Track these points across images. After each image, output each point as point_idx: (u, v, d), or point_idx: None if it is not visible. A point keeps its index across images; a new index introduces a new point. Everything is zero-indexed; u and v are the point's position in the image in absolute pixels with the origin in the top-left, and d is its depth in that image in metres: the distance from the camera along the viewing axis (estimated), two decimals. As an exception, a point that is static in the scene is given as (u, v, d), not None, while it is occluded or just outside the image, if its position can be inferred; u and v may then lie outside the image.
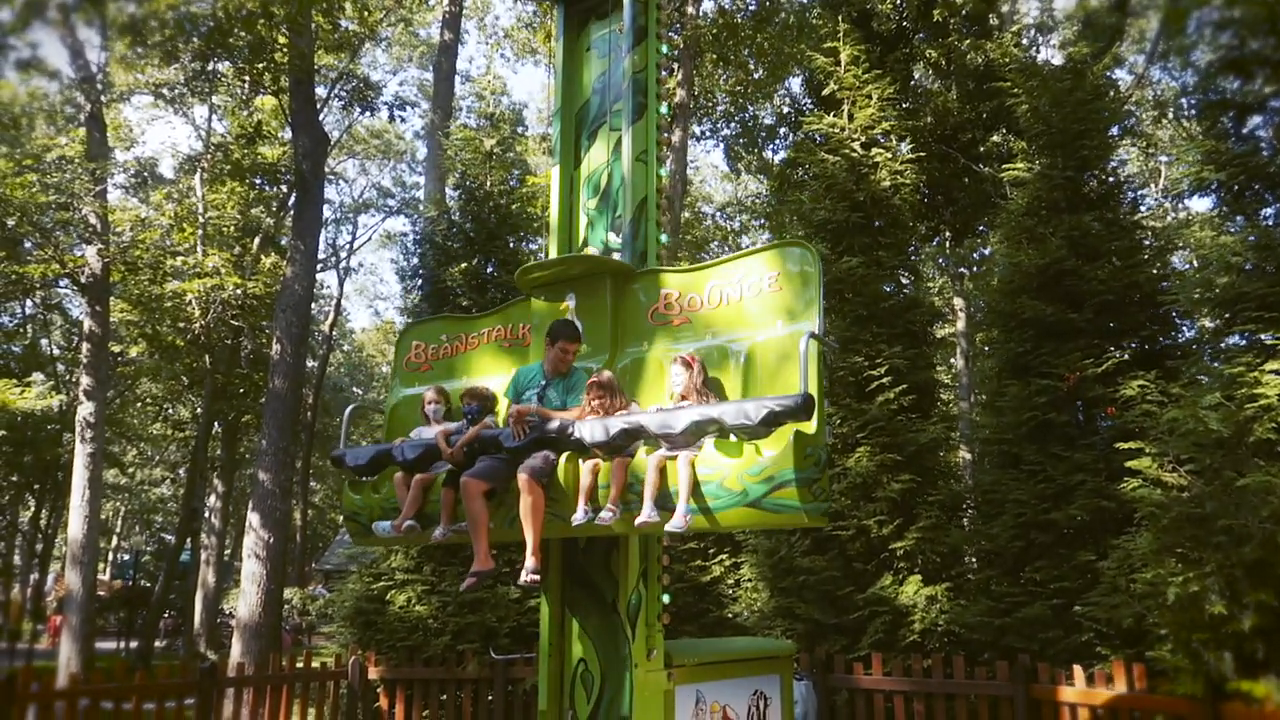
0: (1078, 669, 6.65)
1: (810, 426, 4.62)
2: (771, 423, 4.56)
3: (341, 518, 6.20)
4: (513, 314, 6.35)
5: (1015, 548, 7.82)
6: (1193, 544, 5.74)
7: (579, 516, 4.94)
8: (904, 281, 9.90)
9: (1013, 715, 6.89)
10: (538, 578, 5.04)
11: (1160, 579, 5.77)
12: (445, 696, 8.88)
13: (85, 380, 15.15)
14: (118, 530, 43.37)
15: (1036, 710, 6.81)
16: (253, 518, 12.60)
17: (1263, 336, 6.24)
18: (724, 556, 9.96)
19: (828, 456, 4.78)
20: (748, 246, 29.72)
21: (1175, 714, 5.91)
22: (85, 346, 15.60)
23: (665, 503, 4.76)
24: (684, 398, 5.06)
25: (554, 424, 5.14)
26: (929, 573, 8.25)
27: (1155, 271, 8.27)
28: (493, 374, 6.12)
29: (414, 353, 6.67)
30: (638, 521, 4.78)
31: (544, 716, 5.72)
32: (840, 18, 11.58)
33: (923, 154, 11.98)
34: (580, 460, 5.10)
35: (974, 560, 8.72)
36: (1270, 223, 7.34)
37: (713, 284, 5.44)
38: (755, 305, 5.25)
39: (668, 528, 4.70)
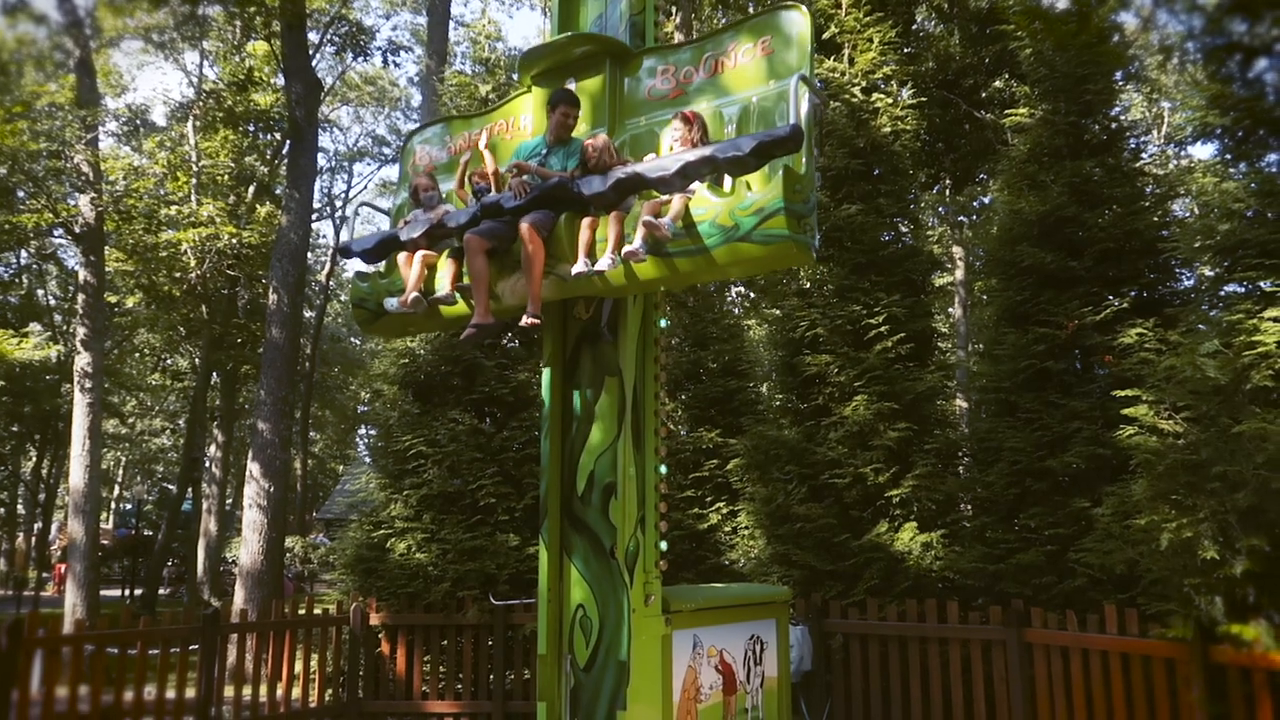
0: (1070, 614, 6.74)
1: (799, 164, 4.78)
2: (762, 154, 4.68)
3: (352, 304, 6.34)
4: (514, 108, 6.46)
5: (1010, 495, 7.87)
6: (1187, 490, 5.77)
7: (579, 267, 5.10)
8: (903, 230, 9.83)
9: (1005, 659, 7.00)
10: (538, 321, 5.23)
11: (1154, 525, 5.81)
12: (446, 642, 9.01)
13: (82, 330, 15.10)
14: (119, 480, 43.65)
15: (1029, 654, 6.91)
16: (253, 467, 12.65)
17: (1263, 283, 6.20)
18: (721, 505, 10.03)
19: (815, 201, 4.90)
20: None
21: (1165, 657, 5.99)
22: (81, 296, 15.52)
23: (658, 249, 4.94)
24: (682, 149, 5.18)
25: (554, 180, 5.29)
26: (924, 520, 8.31)
27: (1156, 219, 8.21)
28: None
29: (418, 156, 6.81)
30: (625, 251, 4.95)
31: (543, 661, 5.80)
32: (842, -41, 11.33)
33: (924, 99, 11.82)
34: (579, 219, 5.24)
35: (969, 508, 8.79)
36: (1274, 169, 7.27)
37: (708, 54, 5.57)
38: (749, 69, 5.38)
39: (646, 220, 4.86)
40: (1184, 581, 5.72)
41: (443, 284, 5.65)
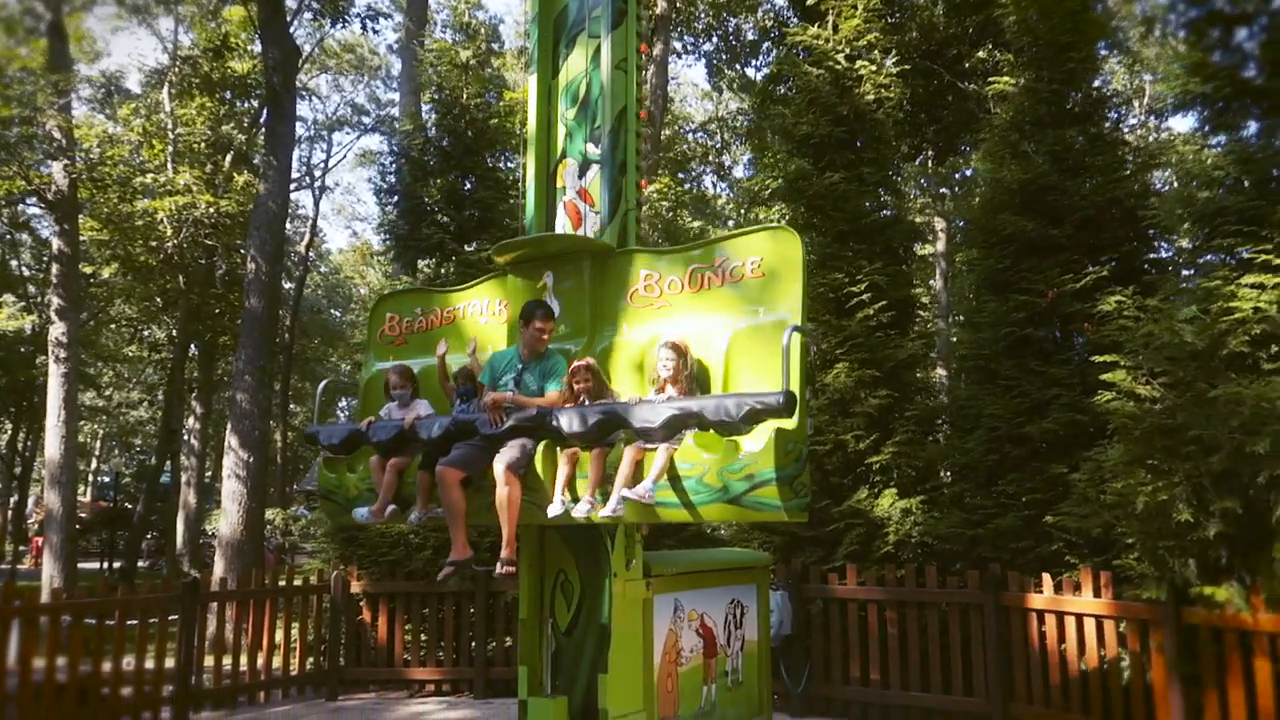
0: (1046, 577, 6.82)
1: (791, 423, 4.58)
2: (753, 420, 4.50)
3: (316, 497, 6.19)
4: (489, 289, 6.23)
5: (989, 461, 7.93)
6: (1163, 455, 5.83)
7: (554, 509, 4.90)
8: (885, 199, 9.82)
9: (982, 622, 7.08)
10: (513, 569, 5.04)
11: (1130, 489, 5.87)
12: (427, 610, 9.03)
13: (56, 300, 14.91)
14: (97, 453, 43.31)
15: (1005, 617, 7.00)
16: (232, 438, 12.57)
17: (1241, 250, 6.24)
18: (703, 472, 10.05)
19: (808, 452, 4.76)
20: (728, 165, 29.49)
21: (1138, 618, 6.08)
22: (55, 266, 15.30)
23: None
24: (668, 383, 4.98)
25: (531, 412, 5.06)
26: (904, 486, 8.37)
27: (1136, 188, 8.23)
28: (465, 352, 5.96)
29: (388, 325, 6.56)
30: (601, 514, 4.77)
31: (524, 625, 5.81)
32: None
33: (907, 68, 11.77)
34: (558, 449, 5.04)
35: (948, 474, 8.85)
36: (1253, 139, 7.30)
37: (694, 267, 5.33)
38: (737, 290, 5.15)
39: (625, 493, 4.68)
40: (1158, 544, 5.80)
41: (414, 512, 5.41)
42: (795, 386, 4.55)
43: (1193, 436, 5.64)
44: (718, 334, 5.16)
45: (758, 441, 4.54)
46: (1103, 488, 6.41)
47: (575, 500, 4.91)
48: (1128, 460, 6.05)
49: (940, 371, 14.03)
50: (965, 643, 7.24)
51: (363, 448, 5.83)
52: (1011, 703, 6.91)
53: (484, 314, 6.21)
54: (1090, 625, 6.44)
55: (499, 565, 5.01)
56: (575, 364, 5.22)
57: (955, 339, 9.64)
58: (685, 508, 4.68)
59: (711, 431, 4.71)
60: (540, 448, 5.07)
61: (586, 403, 5.09)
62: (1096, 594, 6.42)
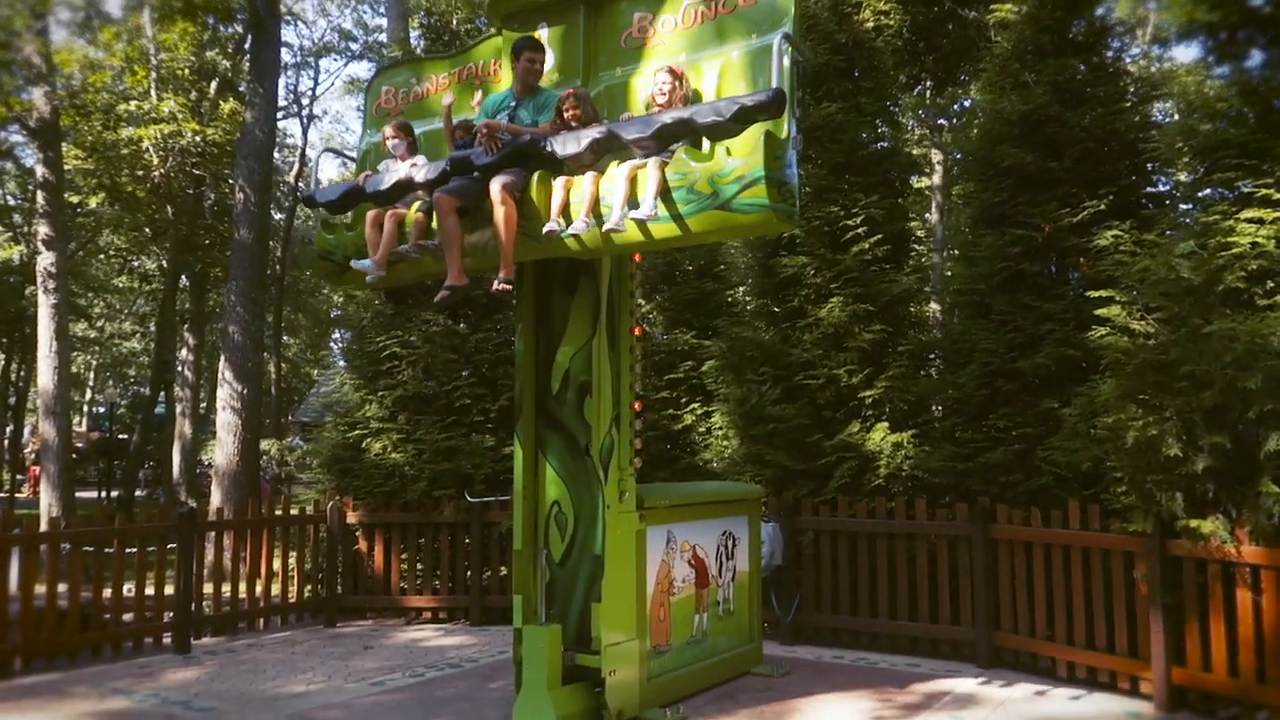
0: (1034, 510, 6.90)
1: (781, 128, 4.65)
2: (743, 119, 4.55)
3: (317, 252, 6.23)
4: (482, 51, 6.26)
5: (981, 395, 7.96)
6: (1155, 390, 5.86)
7: (551, 227, 5.00)
8: (881, 130, 9.68)
9: (970, 554, 7.19)
10: (509, 286, 5.15)
11: (1121, 424, 5.91)
12: (423, 540, 9.13)
13: (43, 229, 14.70)
14: (91, 384, 43.29)
15: (993, 549, 7.10)
16: (225, 369, 12.54)
17: (1242, 185, 6.18)
18: (696, 406, 10.10)
19: (796, 166, 4.80)
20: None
21: (1124, 550, 6.18)
22: (40, 194, 15.06)
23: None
24: (663, 108, 5.02)
25: (525, 138, 5.14)
26: (896, 420, 8.41)
27: (1137, 119, 8.11)
28: (464, 113, 5.99)
29: (384, 98, 6.61)
30: (606, 227, 4.85)
31: (519, 556, 5.89)
32: None
33: (908, -8, 11.50)
34: (552, 179, 5.12)
35: (940, 409, 8.89)
36: (1257, 70, 7.17)
37: (687, 4, 5.35)
38: (730, 22, 5.19)
39: (632, 215, 4.75)
40: (1146, 478, 5.85)
41: (408, 245, 5.45)
42: (785, 86, 4.59)
43: (1185, 372, 5.66)
44: (710, 65, 5.22)
45: (747, 147, 4.59)
46: (1093, 423, 6.45)
47: (570, 224, 5.00)
48: (1119, 395, 6.07)
49: (934, 306, 14.01)
50: (953, 573, 7.36)
51: (359, 206, 5.85)
52: (997, 632, 7.06)
53: (478, 76, 6.23)
54: (1076, 557, 6.54)
55: (496, 282, 5.11)
56: (564, 92, 5.28)
57: (950, 274, 9.57)
58: (674, 220, 4.75)
59: (704, 144, 4.80)
60: (535, 177, 5.15)
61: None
62: (1084, 526, 6.51)
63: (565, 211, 5.02)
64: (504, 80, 5.90)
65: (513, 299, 6.92)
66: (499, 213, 5.00)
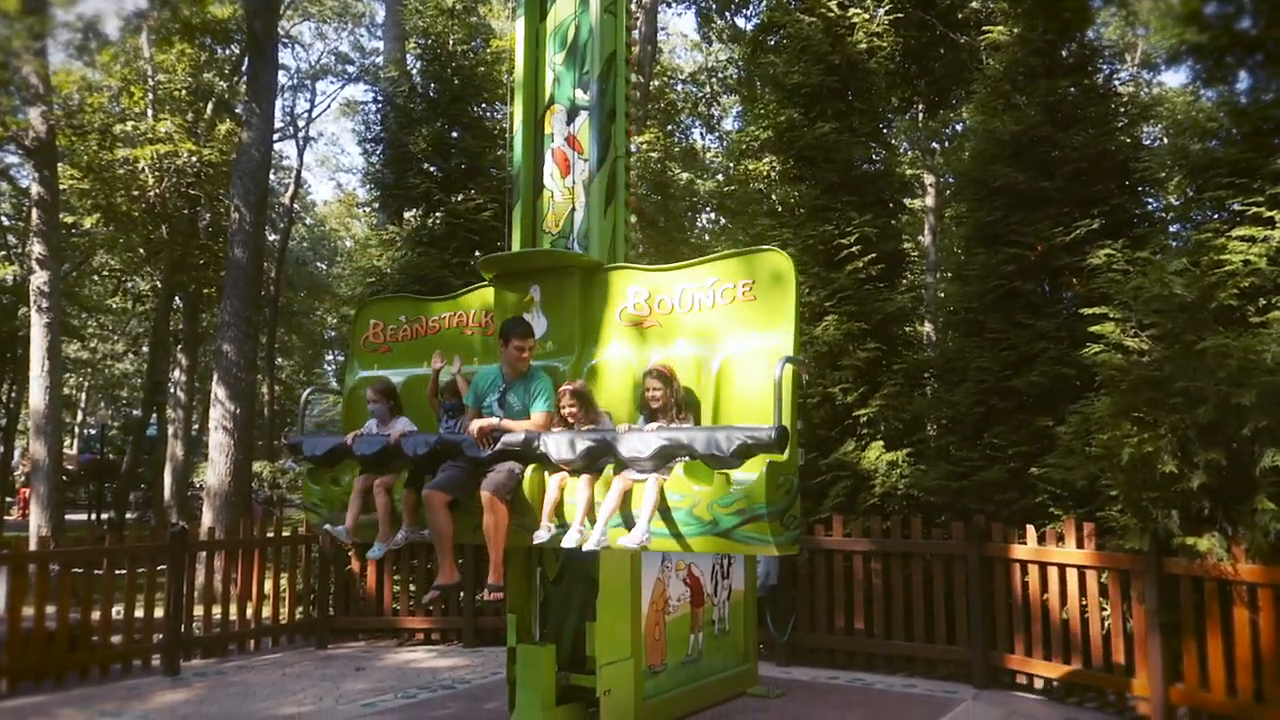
0: (1030, 528, 6.89)
1: (783, 457, 4.53)
2: (744, 455, 4.46)
3: (303, 509, 6.14)
4: (476, 300, 6.14)
5: (975, 414, 7.96)
6: (1149, 407, 5.86)
7: (541, 535, 4.88)
8: (875, 151, 9.74)
9: (965, 573, 7.16)
10: (500, 595, 5.05)
11: (1116, 441, 5.91)
12: (416, 561, 9.06)
13: (37, 249, 14.68)
14: (83, 405, 43.08)
15: (989, 568, 7.07)
16: (218, 390, 12.49)
17: (1232, 203, 6.23)
18: (691, 425, 10.08)
19: (796, 488, 4.72)
20: (716, 117, 29.14)
21: (1121, 568, 6.16)
22: (35, 215, 15.05)
23: (628, 523, 4.71)
24: (657, 413, 4.95)
25: (519, 437, 5.01)
26: (891, 439, 8.40)
27: (1128, 140, 8.18)
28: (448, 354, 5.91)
29: (372, 332, 6.47)
30: (585, 547, 4.73)
31: (513, 575, 5.83)
32: None
33: (900, 15, 11.61)
34: (547, 473, 5.01)
35: (935, 427, 8.89)
36: (1245, 91, 7.26)
37: (683, 287, 5.26)
38: (728, 314, 5.10)
39: (620, 542, 4.65)
40: (1142, 496, 5.84)
41: (401, 532, 5.39)
42: (787, 420, 4.51)
43: (1179, 389, 5.66)
44: (708, 359, 5.10)
45: (749, 474, 4.49)
46: (1088, 440, 6.45)
47: (563, 526, 4.87)
48: (1114, 412, 6.07)
49: (928, 325, 14.05)
50: (949, 593, 7.32)
51: (346, 461, 5.78)
52: (993, 651, 7.02)
53: (469, 326, 6.12)
54: (1072, 576, 6.51)
55: (486, 591, 5.01)
56: (563, 387, 5.16)
57: (943, 293, 9.61)
58: (674, 538, 4.65)
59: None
60: (529, 471, 5.03)
61: (575, 428, 5.05)
62: (1079, 545, 6.49)
63: (558, 510, 4.92)
64: (494, 332, 5.74)
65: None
66: (489, 520, 4.88)
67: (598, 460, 4.88)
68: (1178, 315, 5.89)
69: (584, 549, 4.76)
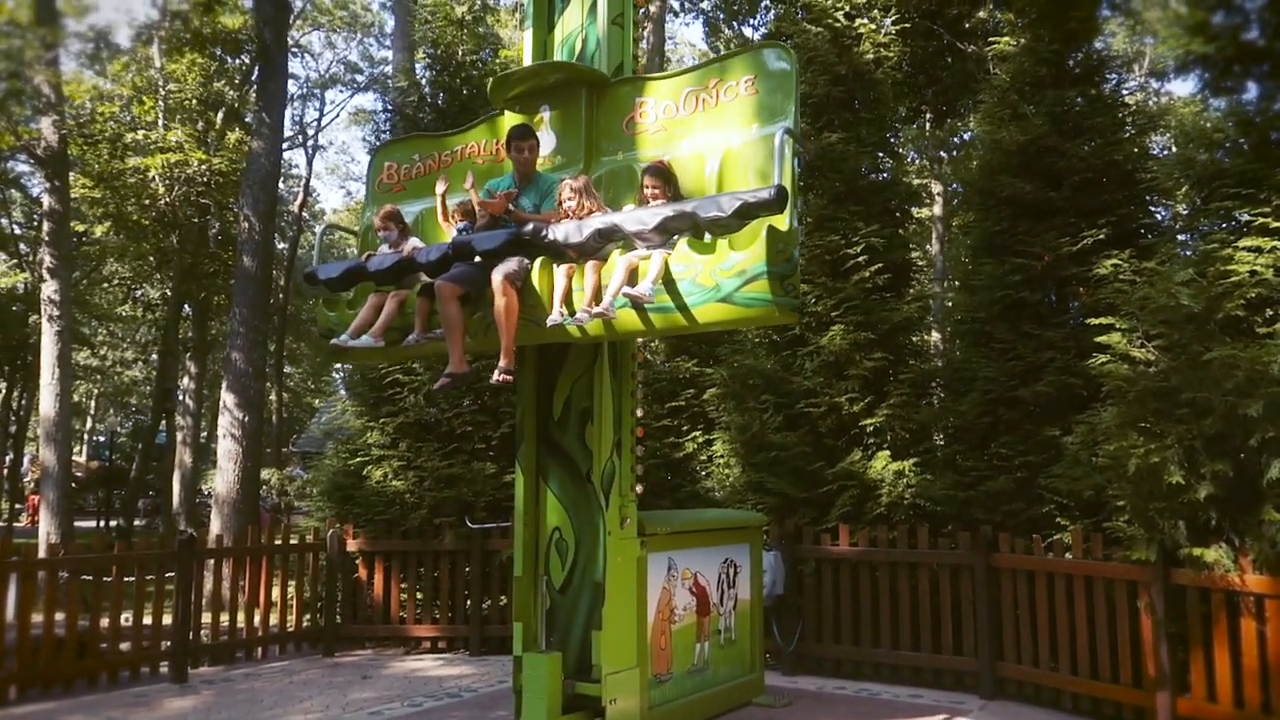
0: (1037, 538, 6.87)
1: (783, 222, 4.66)
2: (745, 215, 4.58)
3: (318, 332, 6.21)
4: (487, 130, 6.28)
5: (982, 424, 7.96)
6: (1156, 418, 5.85)
7: (553, 318, 5.01)
8: (882, 161, 9.75)
9: (972, 583, 7.15)
10: (510, 377, 5.13)
11: (1122, 451, 5.90)
12: (423, 568, 9.08)
13: (48, 258, 14.77)
14: (92, 412, 43.26)
15: (996, 578, 7.06)
16: (227, 397, 12.55)
17: (1239, 214, 6.23)
18: (697, 433, 10.09)
19: (797, 258, 4.84)
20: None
21: (1128, 579, 6.14)
22: (46, 224, 15.15)
23: (636, 306, 4.82)
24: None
25: (528, 227, 5.15)
26: (898, 448, 8.40)
27: (1135, 150, 8.19)
28: (458, 194, 5.93)
29: (386, 174, 6.62)
30: (595, 310, 4.85)
31: (519, 583, 5.86)
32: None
33: (907, 25, 11.64)
34: (555, 265, 5.14)
35: (942, 437, 8.88)
36: (1252, 102, 7.26)
37: (688, 90, 5.38)
38: (731, 110, 5.20)
39: (627, 290, 4.75)
40: (1149, 506, 5.84)
41: (413, 335, 5.48)
42: (787, 182, 4.60)
43: (1186, 399, 5.66)
44: (711, 154, 5.20)
45: (750, 241, 4.61)
46: (1095, 450, 6.44)
47: (573, 313, 4.99)
48: (1120, 423, 6.07)
49: (935, 335, 14.04)
50: (956, 603, 7.31)
51: (361, 285, 5.86)
52: (1000, 662, 7.00)
53: (481, 154, 6.23)
54: (1079, 586, 6.50)
55: (497, 373, 5.08)
56: (564, 181, 5.28)
57: (950, 302, 9.61)
58: (679, 310, 4.75)
59: (705, 236, 4.81)
60: (537, 264, 5.15)
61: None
62: (1086, 555, 6.47)
63: (568, 300, 5.01)
64: (508, 161, 5.84)
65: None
66: (500, 303, 4.98)
67: (605, 242, 5.01)
68: (1184, 326, 5.89)
69: (595, 311, 4.86)
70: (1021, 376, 7.74)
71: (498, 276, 5.01)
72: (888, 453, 8.27)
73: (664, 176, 5.09)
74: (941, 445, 8.73)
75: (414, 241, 5.80)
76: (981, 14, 14.72)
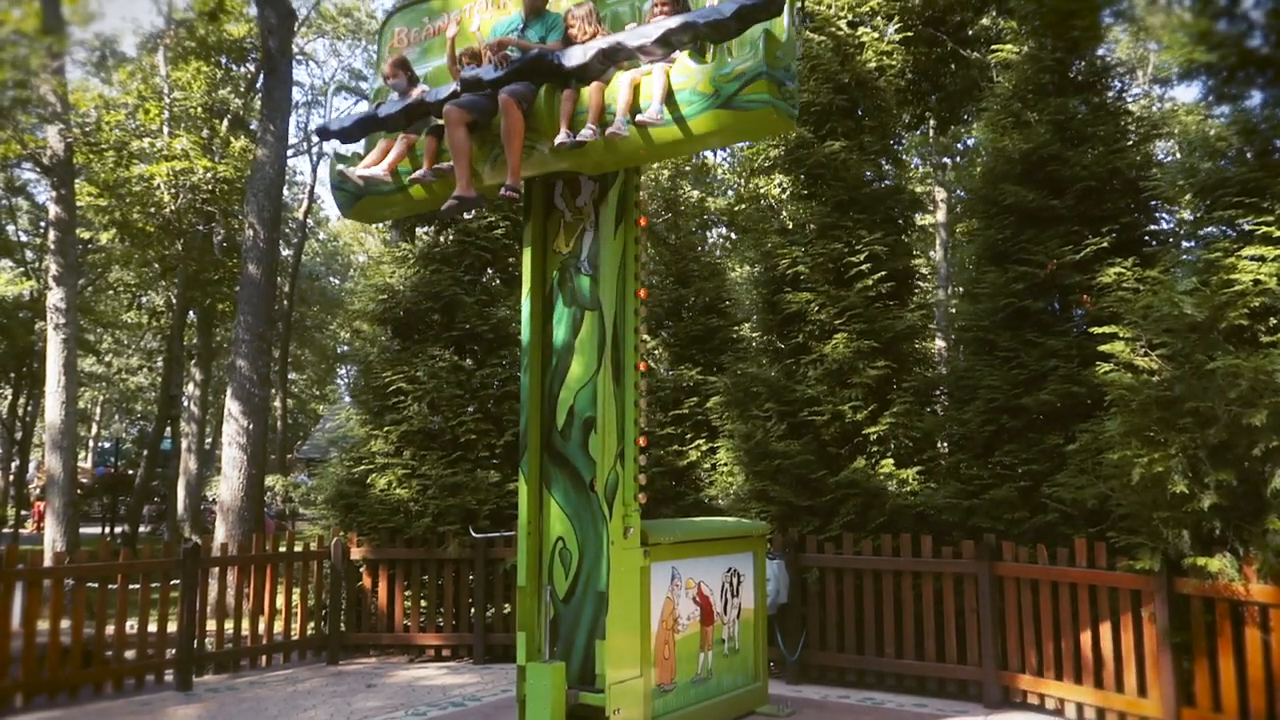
0: (1040, 547, 6.86)
1: (781, 30, 4.77)
2: (743, 18, 4.67)
3: (335, 186, 6.30)
4: None
5: (986, 432, 7.95)
6: (1160, 427, 5.85)
7: (561, 138, 5.12)
8: (885, 168, 9.76)
9: (976, 591, 7.14)
10: (517, 194, 5.27)
11: (1126, 460, 5.90)
12: (427, 576, 9.09)
13: (54, 266, 14.83)
14: (97, 419, 43.38)
15: (999, 586, 7.05)
16: (232, 404, 12.59)
17: (1243, 222, 6.22)
18: (701, 442, 10.10)
19: (795, 70, 4.92)
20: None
21: (1132, 588, 6.13)
22: (52, 231, 15.21)
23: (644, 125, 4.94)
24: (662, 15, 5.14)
25: (533, 52, 5.27)
26: (901, 457, 8.39)
27: (1138, 158, 8.18)
28: (468, 42, 6.05)
29: (396, 38, 6.69)
30: (608, 132, 4.96)
31: (523, 592, 5.86)
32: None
33: (910, 34, 11.65)
34: (559, 91, 5.24)
35: (945, 445, 8.87)
36: (1256, 109, 7.25)
37: None
38: None
39: (638, 119, 4.87)
40: (1153, 515, 5.83)
41: (421, 170, 5.65)
42: None
43: (1190, 408, 5.65)
44: None
45: (748, 47, 4.70)
46: (1099, 459, 6.44)
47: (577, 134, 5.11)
48: (1124, 432, 6.06)
49: (939, 343, 14.04)
50: (960, 612, 7.29)
51: (373, 137, 5.98)
52: (1004, 671, 6.99)
53: (489, 8, 6.27)
54: (1083, 595, 6.49)
55: (503, 189, 5.22)
56: (569, 10, 5.42)
57: (954, 310, 9.62)
58: (675, 123, 4.85)
59: (709, 52, 4.92)
60: (542, 90, 5.28)
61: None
62: (1090, 564, 6.46)
63: (572, 122, 5.17)
64: (513, 10, 5.99)
65: (518, 338, 6.94)
66: (505, 123, 5.17)
67: (610, 63, 5.12)
68: (1188, 335, 5.88)
69: (606, 133, 4.98)
70: (1025, 385, 7.74)
71: (504, 95, 5.18)
72: (891, 461, 8.26)
73: None
74: (945, 454, 8.72)
75: (423, 87, 5.92)
76: (985, 21, 14.73)
